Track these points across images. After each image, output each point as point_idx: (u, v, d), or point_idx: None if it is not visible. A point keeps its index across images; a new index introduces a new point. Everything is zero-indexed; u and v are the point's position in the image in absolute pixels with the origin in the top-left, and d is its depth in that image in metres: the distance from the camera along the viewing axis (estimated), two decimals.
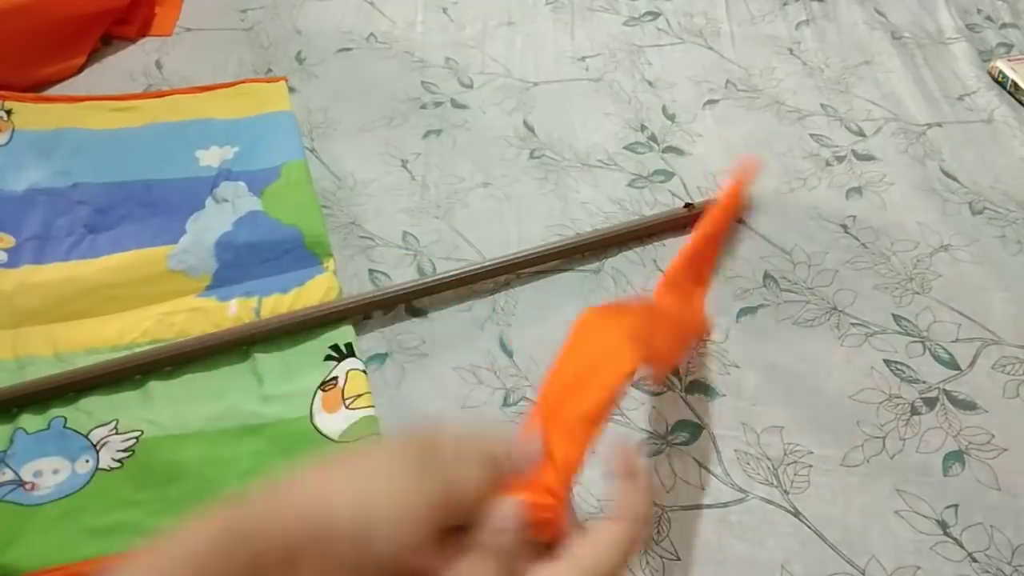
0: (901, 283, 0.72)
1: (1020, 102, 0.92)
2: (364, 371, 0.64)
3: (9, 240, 0.73)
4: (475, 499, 0.28)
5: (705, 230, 0.64)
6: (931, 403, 0.63)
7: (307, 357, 0.65)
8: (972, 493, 0.58)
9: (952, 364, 0.66)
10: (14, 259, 0.71)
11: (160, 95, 0.90)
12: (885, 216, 0.79)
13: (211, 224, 0.75)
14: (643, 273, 0.73)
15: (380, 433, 0.60)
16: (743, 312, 0.70)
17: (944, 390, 0.64)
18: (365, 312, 0.69)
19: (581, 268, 0.73)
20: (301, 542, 0.25)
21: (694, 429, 0.61)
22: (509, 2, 1.07)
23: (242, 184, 0.79)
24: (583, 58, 0.99)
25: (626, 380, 0.37)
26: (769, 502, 0.57)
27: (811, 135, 0.88)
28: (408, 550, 0.26)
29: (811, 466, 0.59)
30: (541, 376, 0.64)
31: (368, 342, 0.67)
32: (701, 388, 0.64)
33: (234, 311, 0.68)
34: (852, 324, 0.69)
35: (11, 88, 0.87)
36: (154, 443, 0.60)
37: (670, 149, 0.86)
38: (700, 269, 0.67)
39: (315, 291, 0.70)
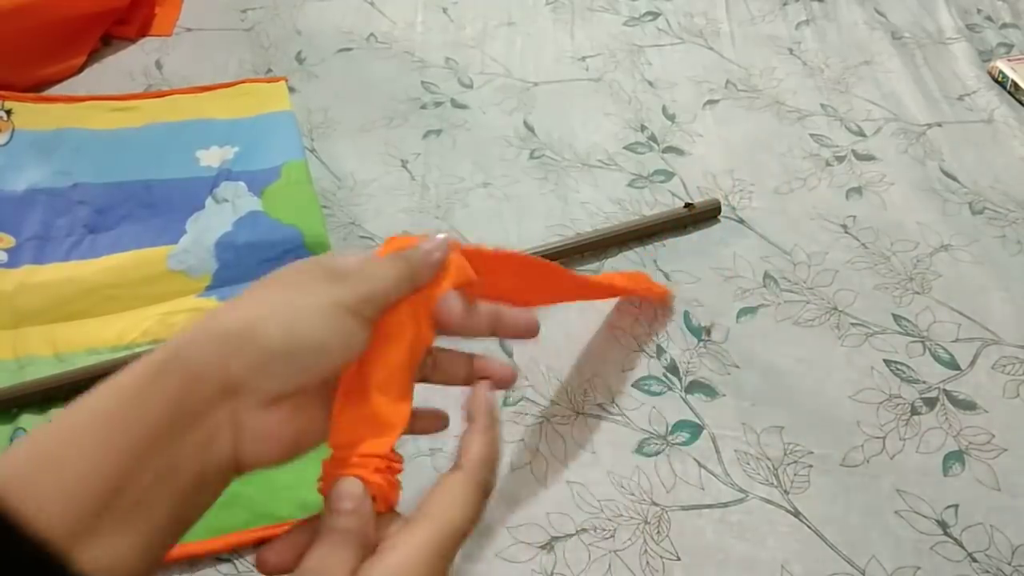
0: (901, 283, 0.72)
1: (1020, 102, 0.92)
2: None
3: (9, 240, 0.73)
4: (395, 294, 0.31)
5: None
6: (931, 403, 0.63)
7: None
8: (972, 493, 0.58)
9: (952, 364, 0.66)
10: (14, 259, 0.71)
11: (160, 95, 0.90)
12: (885, 216, 0.79)
13: (211, 224, 0.75)
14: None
15: None
16: (743, 312, 0.70)
17: (944, 390, 0.64)
18: None
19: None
20: (236, 366, 0.26)
21: (694, 429, 0.61)
22: (509, 2, 1.07)
23: (242, 184, 0.79)
24: (583, 58, 0.99)
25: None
26: (769, 502, 0.57)
27: (811, 135, 0.88)
28: (340, 349, 0.28)
29: (811, 466, 0.59)
30: (541, 376, 0.65)
31: None
32: (701, 388, 0.64)
33: None
34: (852, 324, 0.69)
35: (11, 88, 0.87)
36: None
37: (670, 149, 0.86)
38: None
39: None
